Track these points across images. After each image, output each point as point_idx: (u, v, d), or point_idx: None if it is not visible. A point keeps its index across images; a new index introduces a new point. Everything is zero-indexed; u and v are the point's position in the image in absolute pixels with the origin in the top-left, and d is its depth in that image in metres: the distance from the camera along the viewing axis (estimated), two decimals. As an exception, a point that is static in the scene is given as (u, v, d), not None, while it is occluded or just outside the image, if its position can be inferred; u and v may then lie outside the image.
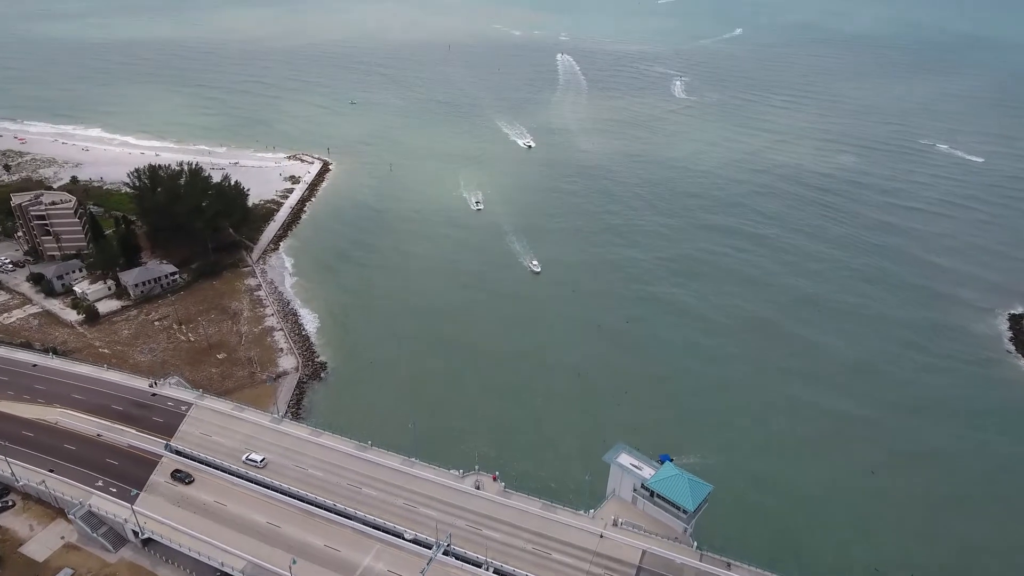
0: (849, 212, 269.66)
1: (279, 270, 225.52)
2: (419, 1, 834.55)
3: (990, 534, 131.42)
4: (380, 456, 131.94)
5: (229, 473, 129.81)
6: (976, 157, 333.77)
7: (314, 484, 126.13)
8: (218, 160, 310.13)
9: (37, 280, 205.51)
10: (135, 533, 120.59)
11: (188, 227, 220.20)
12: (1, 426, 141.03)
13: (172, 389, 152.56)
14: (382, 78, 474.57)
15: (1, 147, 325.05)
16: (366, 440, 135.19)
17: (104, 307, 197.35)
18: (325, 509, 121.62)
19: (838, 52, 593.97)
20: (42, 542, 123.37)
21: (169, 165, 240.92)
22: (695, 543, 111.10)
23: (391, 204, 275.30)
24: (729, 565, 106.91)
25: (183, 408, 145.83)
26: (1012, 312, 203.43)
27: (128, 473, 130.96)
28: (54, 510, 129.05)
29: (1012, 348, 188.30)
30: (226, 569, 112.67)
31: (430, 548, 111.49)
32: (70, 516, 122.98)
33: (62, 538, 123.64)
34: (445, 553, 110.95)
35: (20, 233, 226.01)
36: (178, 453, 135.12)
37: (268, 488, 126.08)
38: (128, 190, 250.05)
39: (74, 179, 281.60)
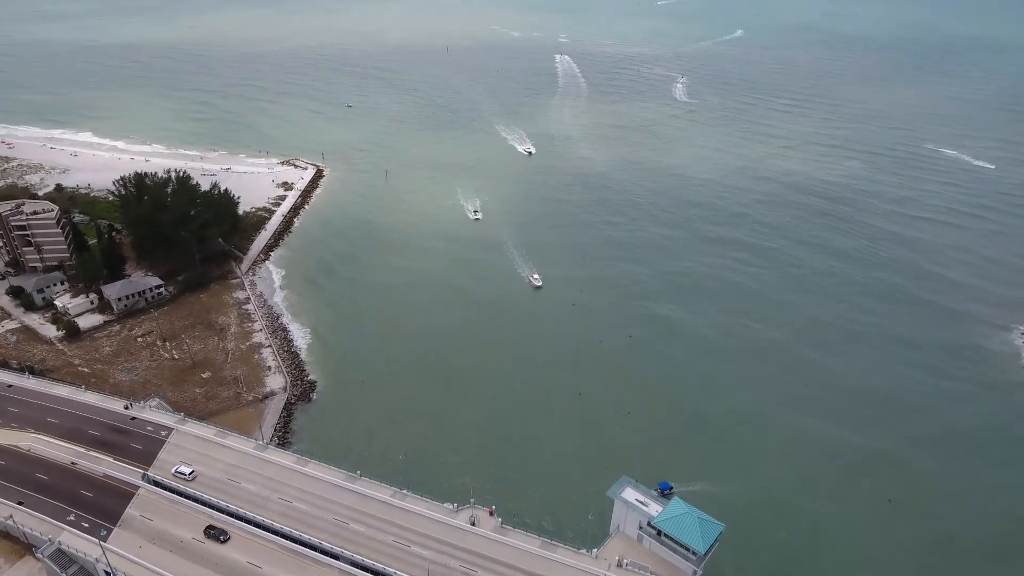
0: (856, 222, 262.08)
1: (269, 282, 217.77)
2: (417, 3, 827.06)
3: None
4: (369, 487, 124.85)
5: (210, 507, 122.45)
6: (986, 163, 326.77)
7: (298, 519, 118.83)
8: (210, 166, 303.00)
9: (16, 294, 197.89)
10: (107, 574, 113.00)
11: (175, 237, 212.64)
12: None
13: (152, 412, 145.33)
14: (379, 81, 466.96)
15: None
16: (355, 469, 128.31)
17: (85, 322, 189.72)
18: (310, 547, 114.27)
19: (840, 54, 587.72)
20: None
21: (156, 173, 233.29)
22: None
23: (386, 212, 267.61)
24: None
25: (163, 433, 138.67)
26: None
27: (102, 506, 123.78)
28: (22, 546, 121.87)
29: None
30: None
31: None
32: (38, 555, 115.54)
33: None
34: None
35: (0, 244, 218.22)
36: (156, 484, 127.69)
37: (250, 524, 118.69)
38: (113, 198, 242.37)
39: (59, 187, 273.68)
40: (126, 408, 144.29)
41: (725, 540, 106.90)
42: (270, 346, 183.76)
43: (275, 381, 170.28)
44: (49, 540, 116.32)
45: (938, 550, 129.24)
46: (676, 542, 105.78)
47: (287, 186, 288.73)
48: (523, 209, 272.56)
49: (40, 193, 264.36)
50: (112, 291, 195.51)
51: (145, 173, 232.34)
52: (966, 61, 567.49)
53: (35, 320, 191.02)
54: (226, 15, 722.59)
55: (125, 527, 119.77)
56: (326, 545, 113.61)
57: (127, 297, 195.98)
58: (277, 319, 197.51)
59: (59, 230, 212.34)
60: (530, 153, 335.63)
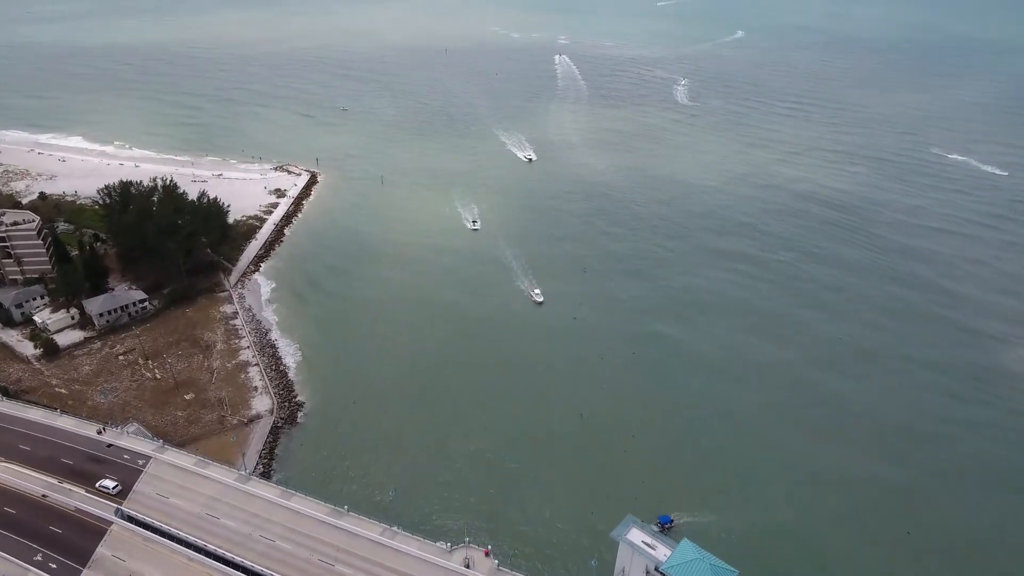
0: (865, 233, 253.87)
1: (258, 295, 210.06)
2: (417, 3, 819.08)
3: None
4: (357, 524, 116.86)
5: (187, 546, 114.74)
6: (998, 169, 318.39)
7: (281, 560, 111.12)
8: (201, 171, 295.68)
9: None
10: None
11: (161, 248, 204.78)
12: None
13: (130, 439, 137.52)
14: (375, 84, 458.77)
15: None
16: (342, 503, 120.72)
17: (65, 339, 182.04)
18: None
19: (841, 56, 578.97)
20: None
21: (142, 181, 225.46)
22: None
23: (381, 221, 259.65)
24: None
25: (140, 463, 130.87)
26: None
27: (73, 544, 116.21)
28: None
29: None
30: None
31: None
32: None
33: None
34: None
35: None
36: (130, 520, 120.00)
37: (230, 566, 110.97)
38: (98, 207, 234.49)
39: (42, 195, 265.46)
40: (99, 433, 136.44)
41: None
42: (257, 364, 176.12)
43: (261, 403, 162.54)
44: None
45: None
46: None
47: (280, 193, 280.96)
48: (523, 219, 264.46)
49: (25, 201, 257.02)
50: (94, 306, 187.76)
51: (131, 181, 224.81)
52: (968, 63, 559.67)
53: (12, 337, 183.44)
54: (226, 16, 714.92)
55: (95, 568, 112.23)
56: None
57: (109, 312, 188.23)
58: (266, 335, 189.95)
59: (40, 241, 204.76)
60: (530, 160, 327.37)
